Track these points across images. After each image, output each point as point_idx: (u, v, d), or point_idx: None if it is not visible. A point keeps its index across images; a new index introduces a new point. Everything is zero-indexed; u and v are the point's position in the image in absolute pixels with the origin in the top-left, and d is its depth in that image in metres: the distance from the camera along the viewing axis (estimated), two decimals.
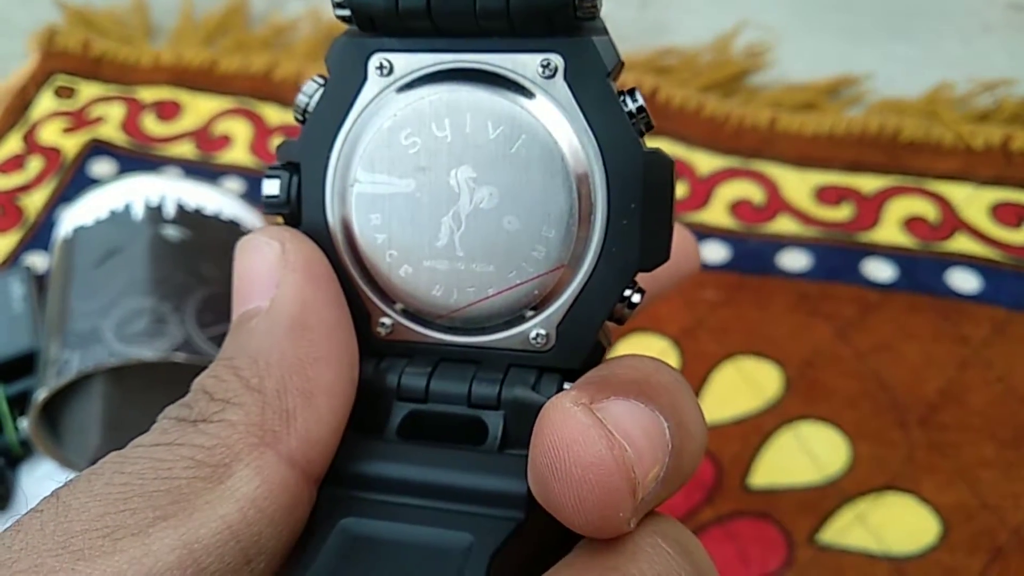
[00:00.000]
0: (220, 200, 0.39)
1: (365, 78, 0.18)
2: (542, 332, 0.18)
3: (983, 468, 0.38)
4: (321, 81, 0.18)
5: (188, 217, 0.37)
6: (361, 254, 0.18)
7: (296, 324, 0.17)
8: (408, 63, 0.18)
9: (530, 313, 0.18)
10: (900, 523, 0.36)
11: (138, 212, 0.37)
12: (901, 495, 0.37)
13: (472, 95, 0.17)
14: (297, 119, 0.18)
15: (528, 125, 0.17)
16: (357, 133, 0.18)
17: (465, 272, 0.17)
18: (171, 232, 0.37)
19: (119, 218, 0.37)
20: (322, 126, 0.18)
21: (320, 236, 0.18)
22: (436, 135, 0.17)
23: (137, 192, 0.38)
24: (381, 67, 0.18)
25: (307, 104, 0.18)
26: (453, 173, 0.17)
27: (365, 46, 0.18)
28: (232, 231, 0.38)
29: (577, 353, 0.18)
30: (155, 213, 0.37)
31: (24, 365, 0.39)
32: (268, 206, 0.19)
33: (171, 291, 0.35)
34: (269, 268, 0.17)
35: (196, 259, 0.36)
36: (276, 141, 0.53)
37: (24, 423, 0.35)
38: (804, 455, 0.38)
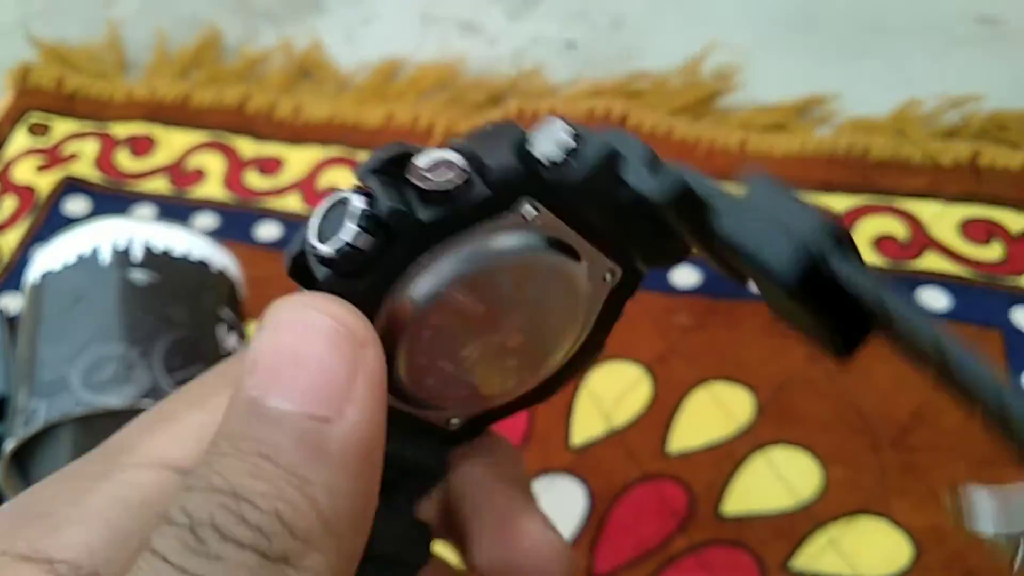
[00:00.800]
0: (188, 241, 0.39)
1: (512, 210, 0.16)
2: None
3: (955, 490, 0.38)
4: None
5: (156, 260, 0.38)
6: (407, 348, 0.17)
7: (368, 463, 0.15)
8: (553, 225, 0.17)
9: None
10: (873, 547, 0.37)
11: (105, 256, 0.37)
12: (874, 519, 0.37)
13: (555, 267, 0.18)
14: (445, 190, 0.15)
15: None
16: (479, 240, 0.16)
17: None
18: (139, 276, 0.37)
19: (86, 263, 0.37)
20: (461, 208, 0.16)
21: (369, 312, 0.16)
22: (513, 292, 0.17)
23: (105, 236, 0.38)
24: (527, 212, 0.16)
25: (452, 186, 0.15)
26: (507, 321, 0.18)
27: (523, 188, 0.16)
28: (201, 272, 0.38)
29: None
30: (123, 257, 0.37)
31: None
32: (340, 261, 0.15)
33: (140, 336, 0.35)
34: (344, 369, 0.14)
35: (164, 303, 0.36)
36: (250, 175, 0.53)
37: None
38: (777, 480, 0.39)
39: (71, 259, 0.37)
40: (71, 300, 0.36)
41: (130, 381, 0.33)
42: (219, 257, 0.40)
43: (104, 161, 0.55)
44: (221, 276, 0.39)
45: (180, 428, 0.17)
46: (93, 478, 0.16)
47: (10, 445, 0.33)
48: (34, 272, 0.38)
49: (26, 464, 0.36)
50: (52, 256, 0.38)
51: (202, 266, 0.39)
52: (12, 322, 0.44)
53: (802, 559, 0.36)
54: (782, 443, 0.40)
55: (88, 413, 0.33)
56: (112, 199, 0.53)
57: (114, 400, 0.33)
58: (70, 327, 0.35)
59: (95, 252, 0.37)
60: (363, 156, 0.53)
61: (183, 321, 0.36)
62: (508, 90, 0.57)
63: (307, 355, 0.14)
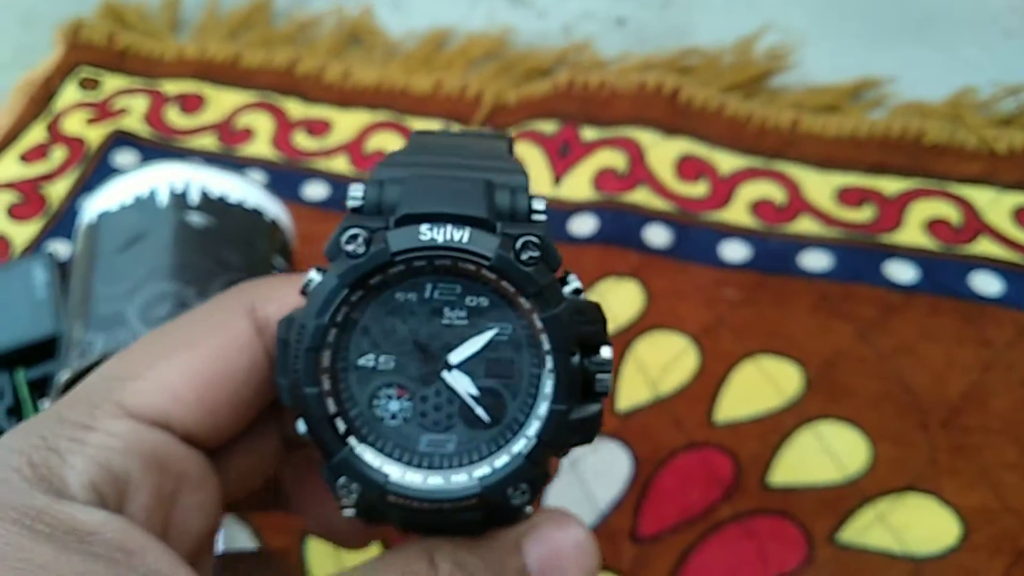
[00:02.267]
0: (244, 189, 0.39)
1: None
2: None
3: (1005, 471, 0.37)
4: None
5: (212, 204, 0.38)
6: None
7: None
8: None
9: None
10: (921, 524, 0.36)
11: (163, 198, 0.37)
12: (922, 496, 0.37)
13: None
14: None
15: None
16: None
17: None
18: (195, 219, 0.37)
19: (144, 204, 0.37)
20: None
21: None
22: None
23: (162, 178, 0.38)
24: None
25: None
26: None
27: None
28: (255, 220, 0.38)
29: None
30: (180, 200, 0.37)
31: (46, 350, 0.40)
32: None
33: (195, 276, 0.35)
34: None
35: (219, 246, 0.36)
36: (299, 135, 0.53)
37: (45, 404, 0.35)
38: (824, 454, 0.38)
39: (128, 200, 0.37)
40: (128, 239, 0.36)
41: None
42: (272, 207, 0.40)
43: (153, 116, 0.55)
44: (274, 225, 0.39)
45: (164, 374, 0.20)
46: (78, 428, 0.19)
47: (65, 375, 0.33)
48: (90, 212, 0.39)
49: None
50: (109, 196, 0.38)
51: (256, 214, 0.39)
52: (62, 267, 0.44)
53: (849, 532, 0.36)
54: (830, 418, 0.39)
55: None
56: (161, 153, 0.53)
57: None
58: (127, 265, 0.35)
59: (152, 194, 0.37)
60: (411, 121, 0.53)
61: (238, 265, 0.36)
62: (558, 62, 0.56)
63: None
